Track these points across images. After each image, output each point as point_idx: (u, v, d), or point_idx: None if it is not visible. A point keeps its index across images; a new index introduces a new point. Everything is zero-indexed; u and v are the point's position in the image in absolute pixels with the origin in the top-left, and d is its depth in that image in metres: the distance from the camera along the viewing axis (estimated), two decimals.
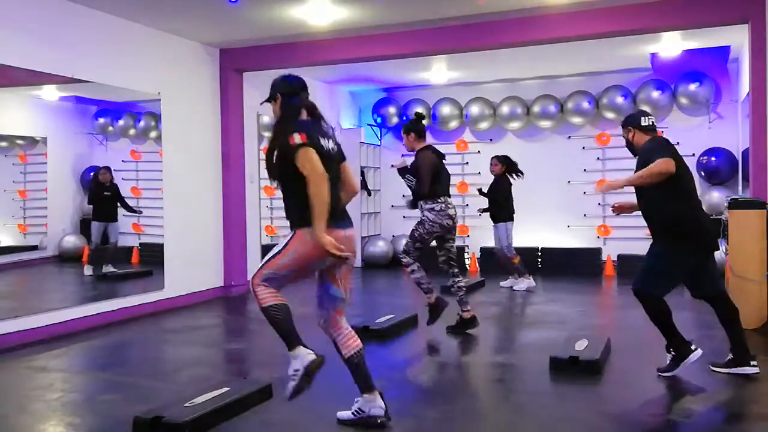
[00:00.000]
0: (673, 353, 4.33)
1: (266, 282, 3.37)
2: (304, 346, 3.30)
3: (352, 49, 7.49)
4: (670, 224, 4.16)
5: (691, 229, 4.15)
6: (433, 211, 5.61)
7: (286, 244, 3.37)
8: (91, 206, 8.03)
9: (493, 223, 8.34)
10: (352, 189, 3.60)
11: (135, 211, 8.01)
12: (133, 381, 4.55)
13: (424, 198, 5.65)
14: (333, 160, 3.43)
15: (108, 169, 7.98)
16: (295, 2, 6.23)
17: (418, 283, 5.72)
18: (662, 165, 3.97)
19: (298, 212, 3.33)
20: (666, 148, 4.12)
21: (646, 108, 9.33)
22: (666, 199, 4.12)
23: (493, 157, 8.31)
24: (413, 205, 5.81)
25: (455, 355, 5.32)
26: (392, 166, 6.13)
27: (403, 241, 5.97)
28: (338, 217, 3.38)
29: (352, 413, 3.57)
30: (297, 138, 3.25)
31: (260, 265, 3.40)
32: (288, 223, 3.44)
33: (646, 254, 4.33)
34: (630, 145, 4.45)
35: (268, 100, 3.56)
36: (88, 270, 8.02)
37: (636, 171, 4.21)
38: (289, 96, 3.48)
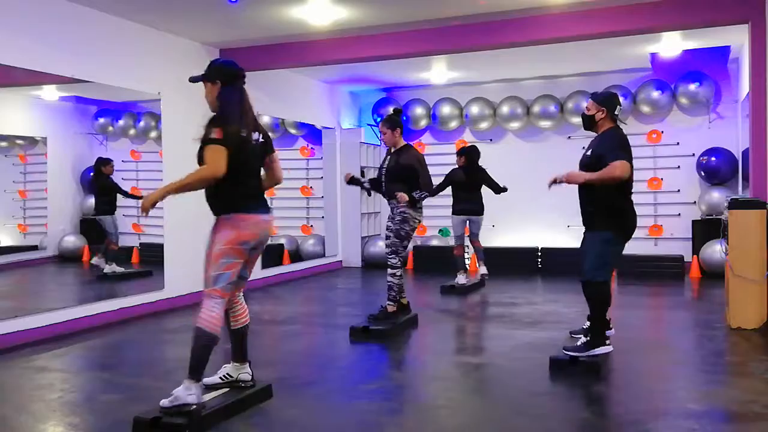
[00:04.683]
0: (588, 338, 4.53)
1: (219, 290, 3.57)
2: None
3: (352, 49, 7.49)
4: (614, 212, 4.40)
5: (619, 217, 4.44)
6: (415, 207, 5.68)
7: (212, 238, 3.61)
8: (101, 199, 8.02)
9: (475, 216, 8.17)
10: (276, 179, 3.90)
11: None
12: (133, 381, 4.55)
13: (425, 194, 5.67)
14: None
15: (110, 160, 7.99)
16: (295, 2, 6.23)
17: (392, 287, 5.74)
18: (623, 171, 4.23)
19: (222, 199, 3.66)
20: (628, 148, 4.38)
21: (646, 108, 9.34)
22: (611, 190, 4.37)
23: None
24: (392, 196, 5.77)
25: (455, 355, 5.32)
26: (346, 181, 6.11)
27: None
28: (261, 204, 3.70)
29: (220, 378, 3.82)
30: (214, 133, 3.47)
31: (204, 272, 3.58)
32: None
33: (588, 243, 4.49)
34: (587, 119, 4.58)
35: (199, 78, 3.68)
36: (110, 268, 7.99)
37: (591, 151, 4.46)
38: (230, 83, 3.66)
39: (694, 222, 9.12)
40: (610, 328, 4.74)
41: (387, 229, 5.80)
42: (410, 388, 4.41)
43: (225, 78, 3.63)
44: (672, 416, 3.69)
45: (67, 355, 5.31)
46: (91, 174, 8.11)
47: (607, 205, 4.40)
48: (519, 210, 10.16)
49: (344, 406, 3.95)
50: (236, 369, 3.87)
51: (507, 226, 10.26)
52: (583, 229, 4.61)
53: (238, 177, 3.56)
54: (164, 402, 3.44)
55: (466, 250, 8.42)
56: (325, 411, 3.86)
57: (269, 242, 10.32)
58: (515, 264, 9.64)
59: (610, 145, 4.37)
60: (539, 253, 9.73)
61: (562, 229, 9.78)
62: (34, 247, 7.96)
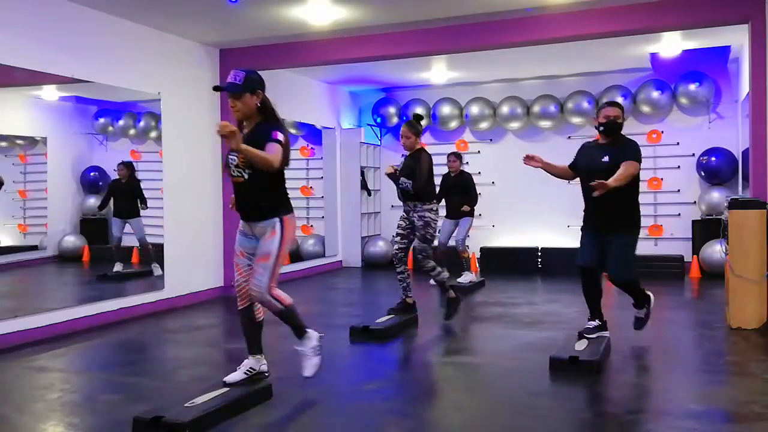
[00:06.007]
0: (598, 322, 5.03)
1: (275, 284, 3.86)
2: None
3: (352, 49, 7.49)
4: (633, 213, 4.81)
5: (639, 217, 4.87)
6: (432, 211, 5.91)
7: (281, 238, 3.78)
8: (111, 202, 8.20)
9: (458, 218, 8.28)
10: None
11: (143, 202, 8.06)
12: (133, 381, 4.55)
13: (423, 199, 5.83)
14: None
15: (125, 165, 8.06)
16: (295, 2, 6.23)
17: (442, 282, 6.02)
18: (637, 168, 4.67)
19: (281, 200, 3.82)
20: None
21: (646, 108, 9.34)
22: (635, 194, 4.81)
23: (450, 154, 8.35)
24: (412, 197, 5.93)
25: (455, 355, 5.32)
26: (386, 173, 6.14)
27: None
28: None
29: (244, 373, 3.94)
30: (281, 136, 3.64)
31: (268, 272, 3.78)
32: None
33: (618, 244, 4.76)
34: (617, 126, 4.85)
35: (242, 90, 3.68)
36: (117, 267, 8.11)
37: (611, 159, 4.72)
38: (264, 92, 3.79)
39: (694, 222, 9.12)
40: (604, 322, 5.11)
41: (399, 227, 6.03)
42: (410, 388, 4.41)
43: (263, 87, 3.77)
44: (672, 416, 3.69)
45: (67, 355, 5.31)
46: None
47: (632, 207, 4.78)
48: (519, 210, 10.16)
49: (344, 406, 3.95)
50: (257, 361, 4.01)
51: (507, 226, 10.27)
52: (575, 229, 4.69)
53: (283, 180, 3.83)
54: (309, 373, 3.93)
55: (467, 251, 8.43)
56: (325, 411, 3.87)
57: None
58: (515, 264, 9.65)
59: (632, 152, 4.70)
60: (539, 253, 9.73)
61: (562, 229, 9.78)
62: (34, 247, 7.97)
